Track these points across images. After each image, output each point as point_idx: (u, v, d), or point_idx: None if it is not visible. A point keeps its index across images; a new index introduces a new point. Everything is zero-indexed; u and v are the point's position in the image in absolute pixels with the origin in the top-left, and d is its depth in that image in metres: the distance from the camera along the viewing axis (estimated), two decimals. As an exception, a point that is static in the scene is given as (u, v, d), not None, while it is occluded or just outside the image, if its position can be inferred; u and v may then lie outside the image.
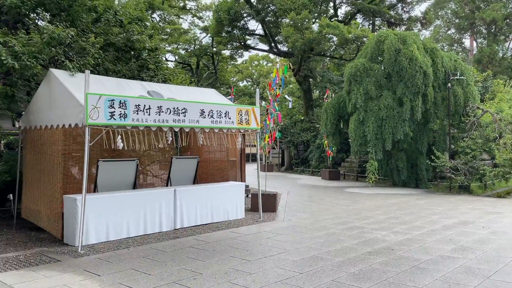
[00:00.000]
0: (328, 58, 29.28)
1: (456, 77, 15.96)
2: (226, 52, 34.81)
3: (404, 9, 28.02)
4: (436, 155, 15.14)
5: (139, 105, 7.33)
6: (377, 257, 6.49)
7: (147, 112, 7.43)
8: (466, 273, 5.69)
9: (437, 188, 16.03)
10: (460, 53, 43.58)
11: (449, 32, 46.21)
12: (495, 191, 14.85)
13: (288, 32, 22.04)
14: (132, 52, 11.31)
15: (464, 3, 42.66)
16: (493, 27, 41.79)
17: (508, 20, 41.29)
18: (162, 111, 7.63)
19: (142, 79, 10.80)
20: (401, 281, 5.35)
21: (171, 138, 8.10)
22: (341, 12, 28.06)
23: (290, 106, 19.77)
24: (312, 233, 8.34)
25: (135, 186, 9.26)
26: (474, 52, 42.78)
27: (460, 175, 14.68)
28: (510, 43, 44.12)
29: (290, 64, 25.07)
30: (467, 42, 46.33)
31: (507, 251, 6.84)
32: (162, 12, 30.96)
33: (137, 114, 7.30)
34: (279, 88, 12.72)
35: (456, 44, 46.30)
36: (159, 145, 8.90)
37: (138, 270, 5.80)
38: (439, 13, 44.77)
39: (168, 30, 33.39)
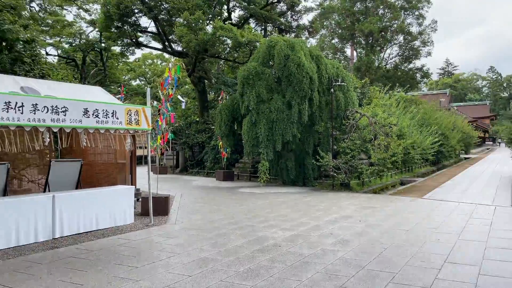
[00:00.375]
0: (222, 61, 29.59)
1: (338, 83, 17.28)
2: (117, 49, 33.10)
3: (294, 17, 29.59)
4: (320, 155, 16.22)
5: (9, 102, 6.57)
6: (266, 254, 6.70)
7: (19, 110, 6.69)
8: (344, 264, 6.16)
9: (322, 186, 17.18)
10: (343, 61, 47.50)
11: (333, 41, 50.06)
12: (371, 188, 16.37)
13: (181, 32, 21.75)
14: (4, 43, 10.10)
15: (346, 15, 46.60)
16: (371, 38, 46.35)
17: (383, 33, 46.13)
18: (38, 110, 6.94)
19: (16, 74, 9.71)
20: (286, 276, 5.60)
21: (48, 139, 7.41)
22: (235, 16, 28.58)
23: (183, 107, 19.51)
24: (204, 234, 8.31)
25: (5, 193, 8.28)
26: (354, 61, 46.92)
27: (342, 174, 15.93)
28: (384, 53, 49.35)
29: (183, 64, 24.77)
30: (348, 51, 50.71)
31: (379, 242, 7.58)
32: (42, 1, 28.27)
33: (7, 112, 6.54)
34: (171, 88, 12.45)
35: (339, 53, 50.35)
36: (36, 147, 8.09)
37: (6, 286, 5.17)
38: (325, 23, 48.27)
39: (50, 22, 30.61)
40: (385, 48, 48.57)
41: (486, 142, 75.49)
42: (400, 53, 49.41)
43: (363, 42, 47.68)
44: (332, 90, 17.15)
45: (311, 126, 17.33)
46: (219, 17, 25.28)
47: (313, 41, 48.58)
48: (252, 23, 29.78)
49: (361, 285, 5.23)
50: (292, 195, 14.67)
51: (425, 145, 23.07)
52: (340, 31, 48.01)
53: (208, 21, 24.04)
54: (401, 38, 48.06)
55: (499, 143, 68.81)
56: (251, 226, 9.11)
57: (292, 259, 6.40)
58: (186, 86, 40.62)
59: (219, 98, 22.73)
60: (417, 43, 48.04)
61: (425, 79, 56.77)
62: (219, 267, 6.04)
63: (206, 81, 27.71)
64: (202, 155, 26.39)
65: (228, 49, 24.87)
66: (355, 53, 48.94)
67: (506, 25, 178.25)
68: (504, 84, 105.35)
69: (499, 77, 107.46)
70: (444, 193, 14.81)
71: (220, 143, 21.18)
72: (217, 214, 10.75)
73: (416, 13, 46.86)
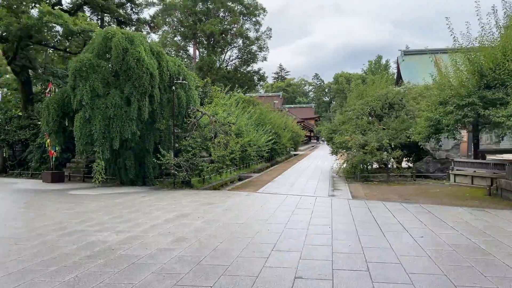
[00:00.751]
0: (51, 49, 26.62)
1: (179, 81, 17.26)
2: None
3: (134, 9, 28.45)
4: (162, 153, 15.98)
5: None
6: (96, 260, 6.24)
7: None
8: (180, 262, 6.14)
9: (163, 184, 16.93)
10: (186, 60, 47.79)
11: (175, 38, 49.94)
12: (211, 184, 16.82)
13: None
14: None
15: (188, 14, 46.95)
16: (212, 39, 47.73)
17: (223, 35, 47.94)
18: None
19: None
20: (118, 280, 5.30)
21: None
22: (67, 1, 26.03)
23: (-1, 99, 16.92)
24: (24, 243, 7.32)
25: None
26: (197, 60, 47.65)
27: (183, 171, 15.98)
28: (225, 55, 51.37)
29: (1, 50, 21.59)
30: (191, 50, 51.25)
31: (216, 237, 7.79)
32: None
33: None
34: (-17, 77, 10.63)
35: (182, 51, 50.51)
36: None
37: None
38: (167, 20, 47.78)
39: None
40: (226, 50, 50.63)
41: (311, 140, 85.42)
42: (239, 56, 52.17)
43: (205, 42, 48.78)
44: (173, 87, 17.05)
45: (152, 124, 16.91)
46: (47, 1, 22.64)
47: (155, 37, 47.77)
48: (87, 11, 27.57)
49: (195, 281, 5.28)
50: (130, 196, 14.08)
51: (261, 143, 24.85)
52: (182, 29, 48.17)
53: (33, 4, 21.35)
54: (240, 41, 50.80)
55: (322, 141, 78.55)
56: (82, 231, 8.40)
57: (125, 262, 6.10)
58: (7, 76, 35.32)
59: (47, 90, 20.44)
60: (254, 47, 51.41)
61: (262, 82, 61.11)
62: (41, 278, 5.38)
63: (30, 70, 24.55)
64: (26, 154, 23.36)
65: (58, 37, 22.49)
66: (197, 53, 49.73)
67: (328, 38, 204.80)
68: (326, 90, 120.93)
69: (322, 83, 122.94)
70: (276, 187, 16.16)
71: (48, 140, 19.06)
72: (41, 220, 9.61)
73: (254, 19, 50.06)
